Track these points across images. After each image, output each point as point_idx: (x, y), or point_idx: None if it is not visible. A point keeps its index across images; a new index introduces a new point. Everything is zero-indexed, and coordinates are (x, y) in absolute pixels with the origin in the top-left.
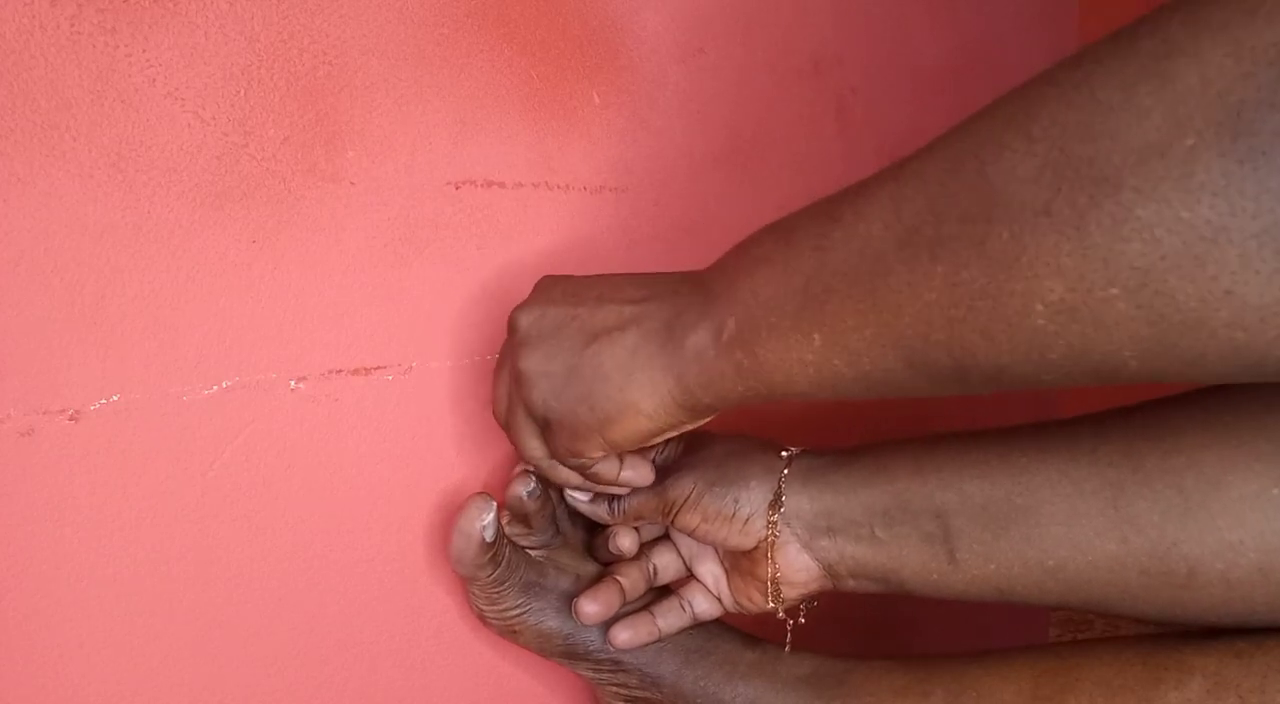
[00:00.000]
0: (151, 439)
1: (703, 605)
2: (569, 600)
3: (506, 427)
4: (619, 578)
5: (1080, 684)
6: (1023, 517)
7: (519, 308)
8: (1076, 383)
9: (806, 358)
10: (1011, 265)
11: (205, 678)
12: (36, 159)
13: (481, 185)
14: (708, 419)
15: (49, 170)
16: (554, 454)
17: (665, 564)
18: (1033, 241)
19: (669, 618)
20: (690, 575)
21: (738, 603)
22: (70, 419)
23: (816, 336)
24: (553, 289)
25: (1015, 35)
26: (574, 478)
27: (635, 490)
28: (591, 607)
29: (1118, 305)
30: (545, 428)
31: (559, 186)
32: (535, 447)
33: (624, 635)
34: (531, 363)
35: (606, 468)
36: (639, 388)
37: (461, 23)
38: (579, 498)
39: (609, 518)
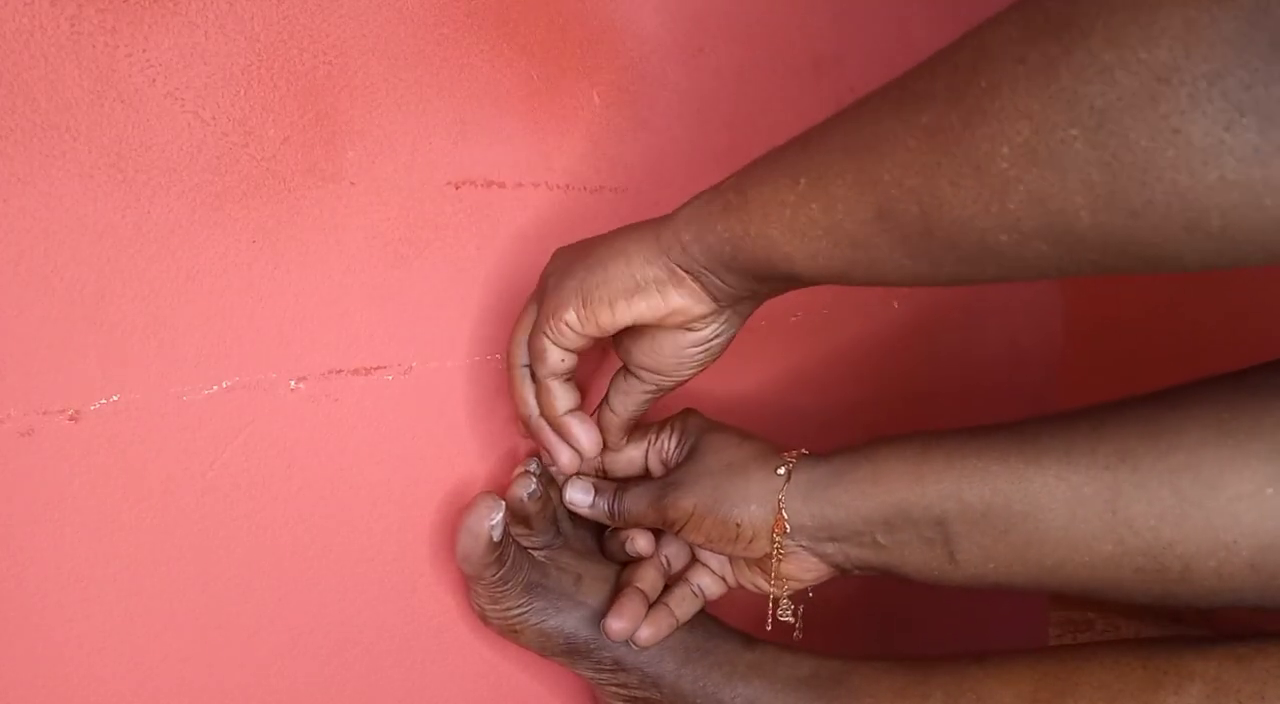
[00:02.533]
0: (151, 439)
1: (710, 586)
2: (570, 600)
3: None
4: (639, 585)
5: (1080, 688)
6: (1022, 522)
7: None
8: (1030, 249)
9: (787, 199)
10: (985, 111)
11: (205, 678)
12: (36, 159)
13: (481, 185)
14: (679, 296)
15: (49, 170)
16: (536, 326)
17: (675, 553)
18: (1007, 88)
19: (684, 606)
20: (695, 558)
21: (742, 585)
22: (70, 419)
23: (802, 180)
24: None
25: None
26: (548, 399)
27: (634, 498)
28: (620, 624)
29: (1076, 146)
30: (540, 303)
31: (559, 186)
32: (525, 325)
33: (647, 633)
34: (559, 252)
35: (562, 392)
36: (632, 238)
37: (461, 23)
38: (578, 501)
39: (609, 522)
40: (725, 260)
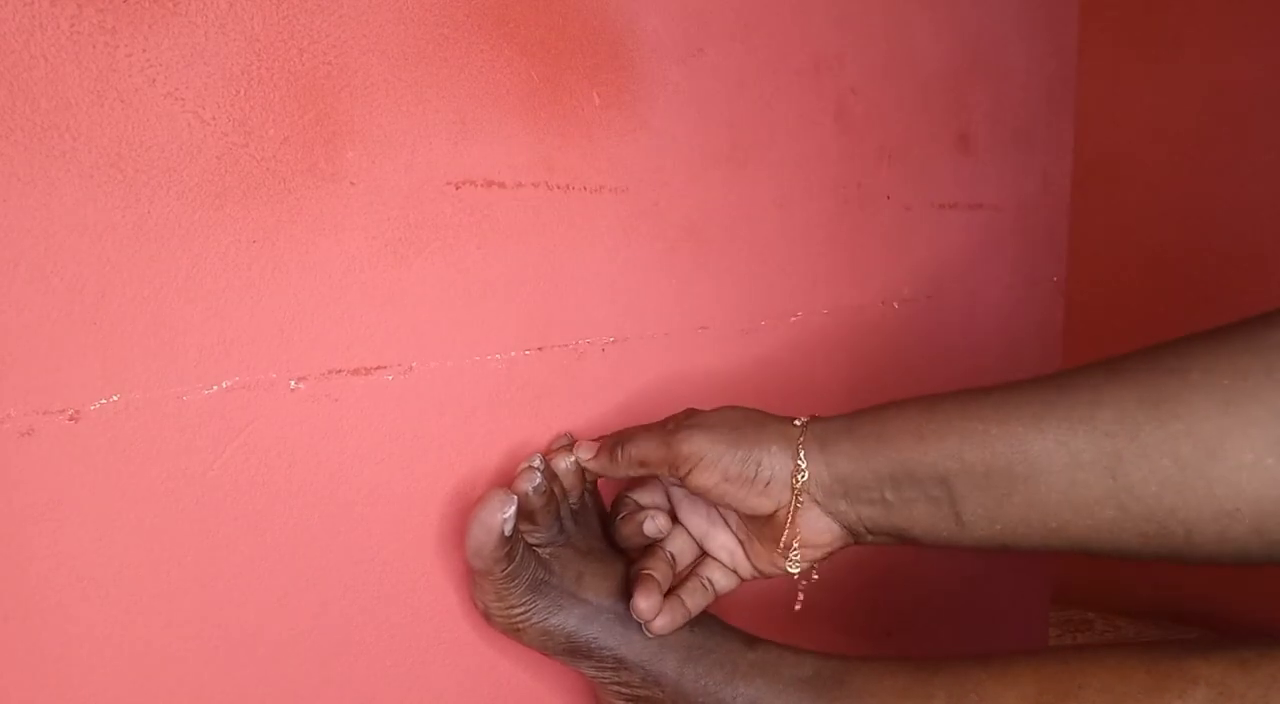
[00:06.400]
0: (151, 439)
1: (720, 580)
2: (573, 598)
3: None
4: (652, 573)
5: (1083, 691)
6: (1024, 484)
7: None
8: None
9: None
10: None
11: (205, 678)
12: (36, 159)
13: (481, 185)
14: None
15: (49, 170)
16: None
17: (680, 549)
18: None
19: (696, 597)
20: (703, 554)
21: (757, 570)
22: (70, 419)
23: None
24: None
25: (1015, 35)
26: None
27: (640, 440)
28: (646, 602)
29: None
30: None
31: (559, 186)
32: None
33: (662, 621)
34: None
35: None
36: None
37: (461, 23)
38: (583, 456)
39: (611, 468)
40: None
